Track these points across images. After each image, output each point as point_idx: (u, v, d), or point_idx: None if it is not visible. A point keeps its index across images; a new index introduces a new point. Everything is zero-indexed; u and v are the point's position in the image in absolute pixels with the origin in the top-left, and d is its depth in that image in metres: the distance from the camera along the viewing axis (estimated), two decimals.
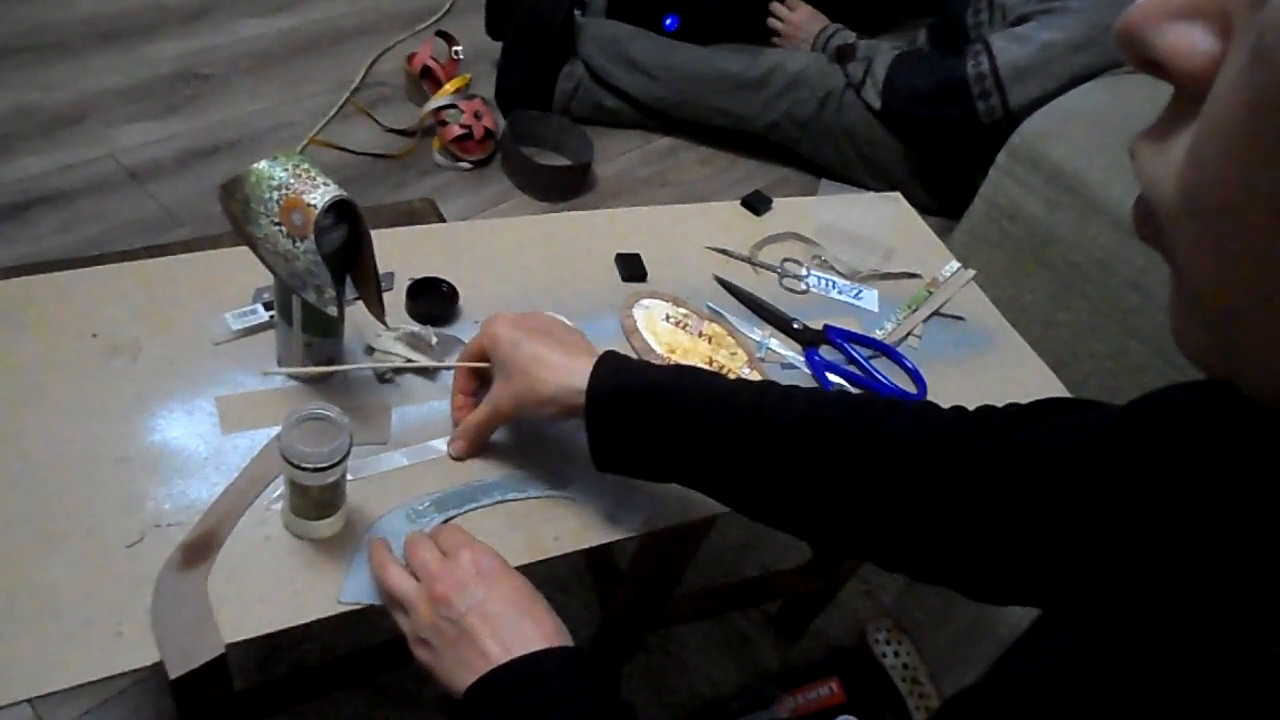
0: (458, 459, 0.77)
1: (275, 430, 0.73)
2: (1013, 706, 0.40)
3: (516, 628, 0.61)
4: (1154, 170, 0.28)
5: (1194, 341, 0.30)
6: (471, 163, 1.96)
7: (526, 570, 0.73)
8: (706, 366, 0.90)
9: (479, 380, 0.78)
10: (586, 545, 0.76)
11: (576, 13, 2.11)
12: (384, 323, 0.77)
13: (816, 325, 0.98)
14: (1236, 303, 0.27)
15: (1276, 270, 0.25)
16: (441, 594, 0.62)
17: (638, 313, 0.93)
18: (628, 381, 0.68)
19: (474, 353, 0.76)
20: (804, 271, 1.06)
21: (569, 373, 0.69)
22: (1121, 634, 0.37)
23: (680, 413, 0.67)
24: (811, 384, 0.94)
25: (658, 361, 0.88)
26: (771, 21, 2.27)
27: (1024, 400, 0.97)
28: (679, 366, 0.71)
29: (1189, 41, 0.26)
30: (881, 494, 0.63)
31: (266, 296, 0.83)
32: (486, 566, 0.64)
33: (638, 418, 0.67)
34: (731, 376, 0.90)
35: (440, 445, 0.77)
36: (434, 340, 0.82)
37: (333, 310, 0.69)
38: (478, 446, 0.77)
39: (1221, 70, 0.25)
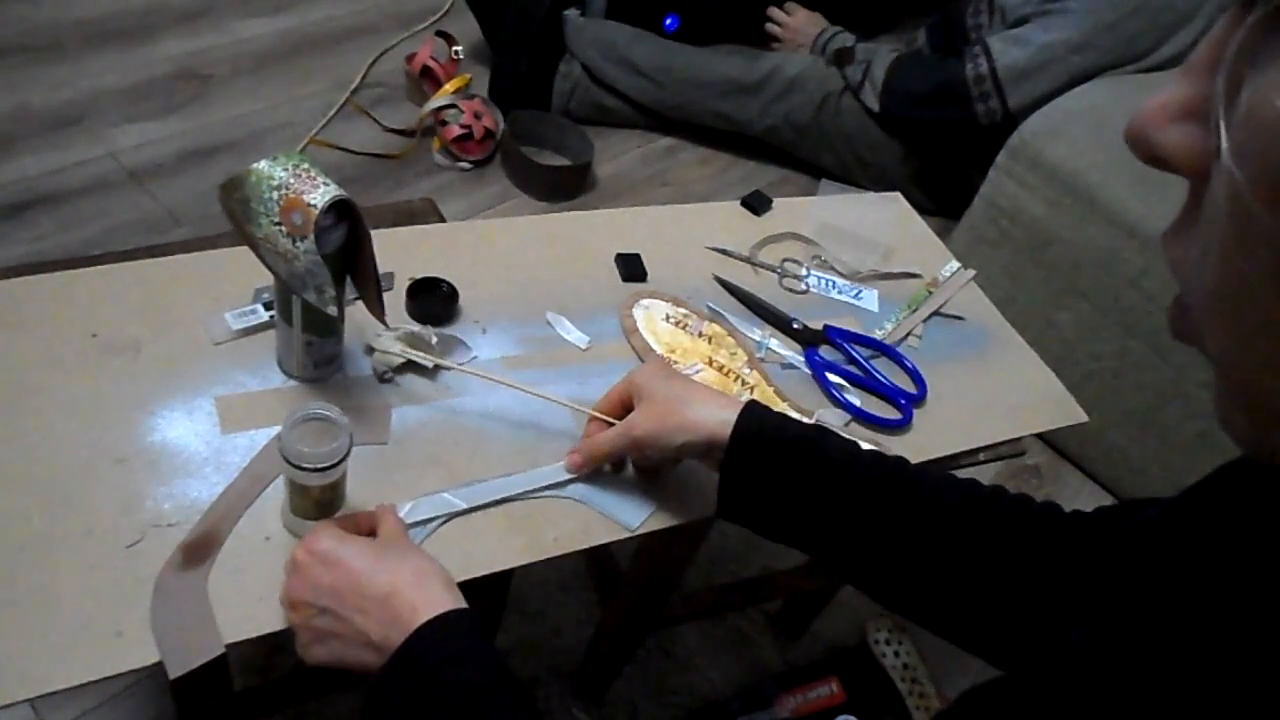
0: (571, 471, 0.78)
1: (275, 430, 0.73)
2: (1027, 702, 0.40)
3: (390, 601, 0.60)
4: (1178, 257, 0.31)
5: (1237, 427, 0.32)
6: (471, 163, 1.96)
7: (527, 570, 0.74)
8: (706, 366, 0.91)
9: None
10: (586, 545, 0.76)
11: (576, 13, 2.11)
12: (384, 323, 0.78)
13: (816, 325, 0.98)
14: (1261, 379, 0.29)
15: None
16: (308, 598, 0.62)
17: (638, 313, 0.93)
18: (775, 426, 0.70)
19: (613, 400, 0.77)
20: (804, 271, 1.06)
21: (718, 406, 0.71)
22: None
23: (819, 470, 0.68)
24: (811, 383, 0.94)
25: (655, 359, 0.89)
26: (769, 26, 2.27)
27: (1022, 400, 0.98)
28: (820, 426, 0.73)
29: (1188, 140, 0.29)
30: (1010, 595, 0.64)
31: (266, 296, 0.83)
32: (321, 550, 0.63)
33: (777, 462, 0.69)
34: (731, 376, 0.90)
35: (553, 469, 0.78)
36: (434, 340, 0.82)
37: (333, 310, 0.69)
38: (594, 464, 0.77)
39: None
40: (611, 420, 0.77)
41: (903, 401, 0.93)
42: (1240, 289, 0.28)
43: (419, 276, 0.89)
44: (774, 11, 2.26)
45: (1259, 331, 0.28)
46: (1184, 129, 0.29)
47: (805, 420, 0.88)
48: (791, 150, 2.16)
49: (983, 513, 0.67)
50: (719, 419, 0.70)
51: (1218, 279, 0.29)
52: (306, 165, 0.67)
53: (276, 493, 0.71)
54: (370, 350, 0.82)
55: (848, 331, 0.99)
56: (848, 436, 0.73)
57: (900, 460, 0.71)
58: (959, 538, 0.66)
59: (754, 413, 0.70)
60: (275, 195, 0.65)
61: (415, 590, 0.60)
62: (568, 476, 0.78)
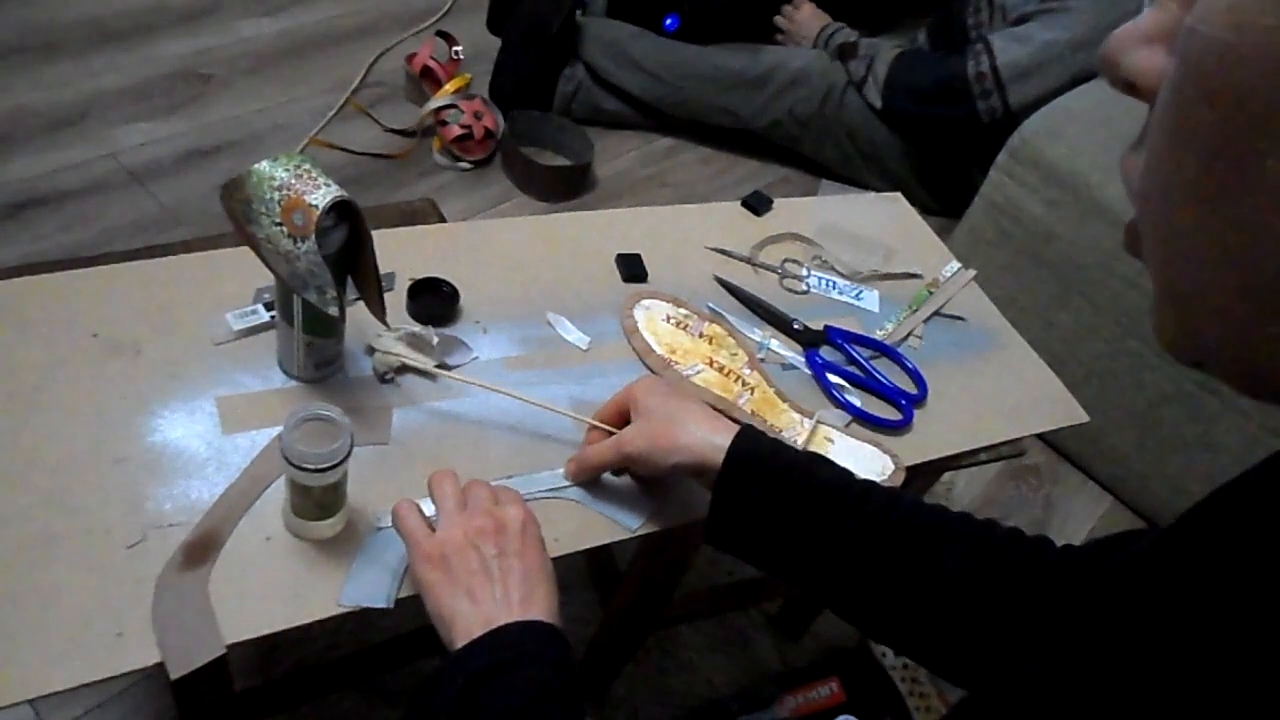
0: (567, 479, 0.78)
1: (276, 430, 0.73)
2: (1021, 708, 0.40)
3: (533, 592, 0.62)
4: (1128, 172, 0.33)
5: (1167, 334, 0.34)
6: (471, 163, 1.96)
7: None
8: (706, 366, 0.91)
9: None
10: (586, 545, 0.76)
11: (576, 12, 2.11)
12: (385, 323, 0.78)
13: (817, 326, 0.98)
14: (1190, 281, 0.31)
15: (1205, 250, 0.29)
16: (484, 527, 0.64)
17: (638, 313, 0.93)
18: (769, 452, 0.69)
19: (611, 410, 0.77)
20: (804, 272, 1.06)
21: (712, 430, 0.70)
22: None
23: (811, 500, 0.67)
24: (811, 384, 0.94)
25: (655, 360, 0.89)
26: (779, 20, 2.28)
27: (1022, 400, 0.98)
28: (815, 454, 0.72)
29: (1152, 62, 0.30)
30: (989, 631, 0.64)
31: (267, 296, 0.83)
32: (529, 531, 0.65)
33: (769, 490, 0.68)
34: (732, 377, 0.90)
35: (552, 474, 0.79)
36: (435, 340, 0.82)
37: (334, 311, 0.69)
38: (587, 476, 0.78)
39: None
40: (611, 429, 0.77)
41: (903, 402, 0.93)
42: (1172, 192, 0.29)
43: (419, 277, 0.89)
44: (786, 8, 2.28)
45: (1188, 233, 0.29)
46: (1151, 51, 0.30)
47: (805, 420, 0.88)
48: (794, 146, 2.16)
49: (974, 548, 0.66)
50: (712, 444, 0.69)
51: (1155, 185, 0.30)
52: (307, 165, 0.67)
53: (277, 493, 0.71)
54: (371, 351, 0.82)
55: (848, 332, 0.99)
56: (842, 465, 0.72)
57: (895, 491, 0.70)
58: (949, 573, 0.65)
59: (748, 438, 0.70)
60: (276, 196, 0.65)
61: (551, 588, 0.64)
62: (566, 482, 0.78)
